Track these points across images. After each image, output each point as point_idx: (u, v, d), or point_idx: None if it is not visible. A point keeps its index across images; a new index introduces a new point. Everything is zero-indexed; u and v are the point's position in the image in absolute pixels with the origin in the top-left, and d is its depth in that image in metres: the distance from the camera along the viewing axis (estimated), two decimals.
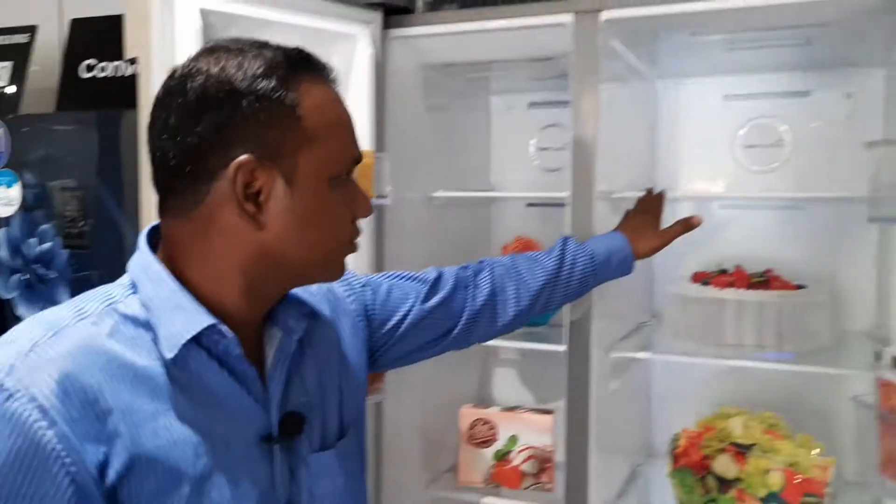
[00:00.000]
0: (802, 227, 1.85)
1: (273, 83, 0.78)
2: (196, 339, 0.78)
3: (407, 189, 1.66)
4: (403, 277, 1.15)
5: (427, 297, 1.13)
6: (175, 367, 0.77)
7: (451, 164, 1.92)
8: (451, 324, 1.16)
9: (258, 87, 0.77)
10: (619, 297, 1.70)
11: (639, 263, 1.94)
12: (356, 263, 1.50)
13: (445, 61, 1.72)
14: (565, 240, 1.33)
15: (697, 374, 1.94)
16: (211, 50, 0.81)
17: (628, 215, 1.49)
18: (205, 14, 1.26)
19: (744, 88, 1.88)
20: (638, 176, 1.91)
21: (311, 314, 0.92)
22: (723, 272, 1.75)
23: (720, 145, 1.92)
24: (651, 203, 1.51)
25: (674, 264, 1.93)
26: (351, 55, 1.49)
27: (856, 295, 1.77)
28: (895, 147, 1.14)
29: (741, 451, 1.58)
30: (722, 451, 1.60)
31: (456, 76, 1.85)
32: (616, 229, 1.44)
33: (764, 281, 1.68)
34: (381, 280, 1.12)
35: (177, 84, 0.79)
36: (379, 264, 1.57)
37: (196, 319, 0.78)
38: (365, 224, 1.48)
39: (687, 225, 1.45)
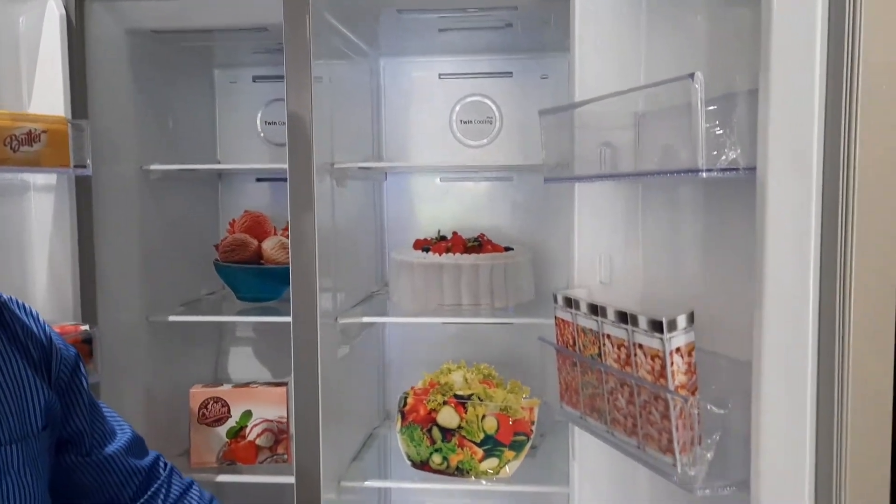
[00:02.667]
0: (513, 198, 2.05)
1: None
2: None
3: (115, 161, 1.57)
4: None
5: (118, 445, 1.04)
6: None
7: (172, 136, 1.84)
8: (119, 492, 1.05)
9: None
10: (348, 270, 1.76)
11: (368, 236, 2.04)
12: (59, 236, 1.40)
13: (155, 28, 1.64)
14: None
15: (423, 335, 2.07)
16: None
17: None
18: None
19: (456, 68, 2.02)
20: (365, 149, 1.98)
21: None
22: (442, 238, 1.87)
23: (439, 121, 2.04)
24: None
25: (400, 234, 2.04)
26: (41, 16, 1.37)
27: (556, 257, 2.00)
28: (563, 115, 1.30)
29: (461, 401, 1.71)
30: (445, 403, 1.72)
31: (170, 45, 1.78)
32: None
33: (477, 245, 1.83)
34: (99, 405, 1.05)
35: None
36: (87, 240, 1.47)
37: None
38: (66, 196, 1.40)
39: None
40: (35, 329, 0.95)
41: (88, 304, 1.46)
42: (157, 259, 1.75)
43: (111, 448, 1.03)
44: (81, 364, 1.02)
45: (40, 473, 0.91)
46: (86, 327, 1.36)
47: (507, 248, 1.85)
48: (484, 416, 1.69)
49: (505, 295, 1.80)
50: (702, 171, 0.88)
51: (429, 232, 1.99)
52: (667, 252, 1.27)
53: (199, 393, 1.75)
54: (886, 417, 0.92)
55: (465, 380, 1.77)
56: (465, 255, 1.79)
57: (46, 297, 1.38)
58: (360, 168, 1.79)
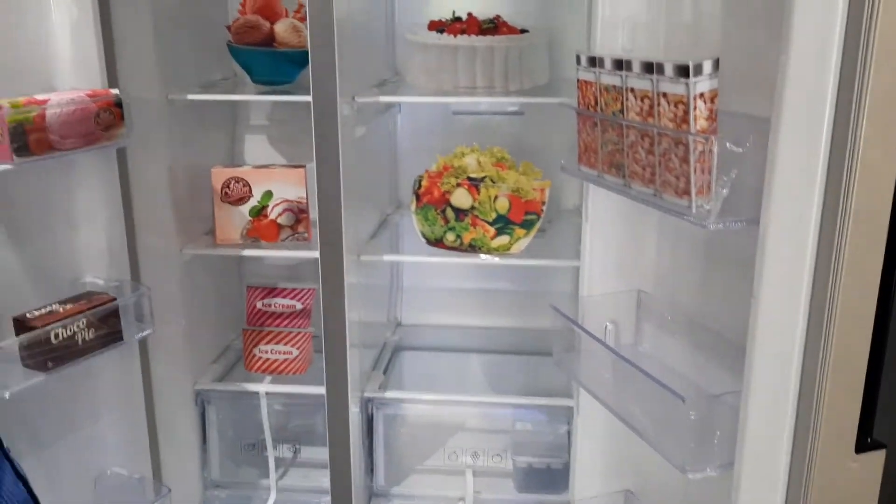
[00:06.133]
0: None
1: None
2: None
3: None
4: None
5: None
6: None
7: None
8: None
9: None
10: (361, 54, 1.75)
11: (379, 21, 2.00)
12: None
13: None
14: None
15: (437, 124, 2.10)
16: None
17: None
18: None
19: None
20: None
21: None
22: (457, 20, 1.85)
23: None
24: None
25: (412, 16, 2.00)
26: None
27: (570, 44, 1.97)
28: None
29: (474, 183, 1.77)
30: (458, 185, 1.78)
31: None
32: None
33: (493, 27, 1.81)
34: None
35: None
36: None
37: None
38: None
39: None
40: None
41: (112, 76, 1.47)
42: (171, 38, 1.72)
43: None
44: None
45: None
46: (116, 91, 1.37)
47: (523, 31, 1.83)
48: (496, 197, 1.76)
49: (519, 78, 1.80)
50: None
51: (441, 14, 1.95)
52: (690, 15, 1.27)
53: (220, 172, 1.80)
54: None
55: (479, 163, 1.82)
56: (481, 37, 1.78)
57: (71, 58, 1.38)
58: None
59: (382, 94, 1.80)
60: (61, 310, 1.38)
